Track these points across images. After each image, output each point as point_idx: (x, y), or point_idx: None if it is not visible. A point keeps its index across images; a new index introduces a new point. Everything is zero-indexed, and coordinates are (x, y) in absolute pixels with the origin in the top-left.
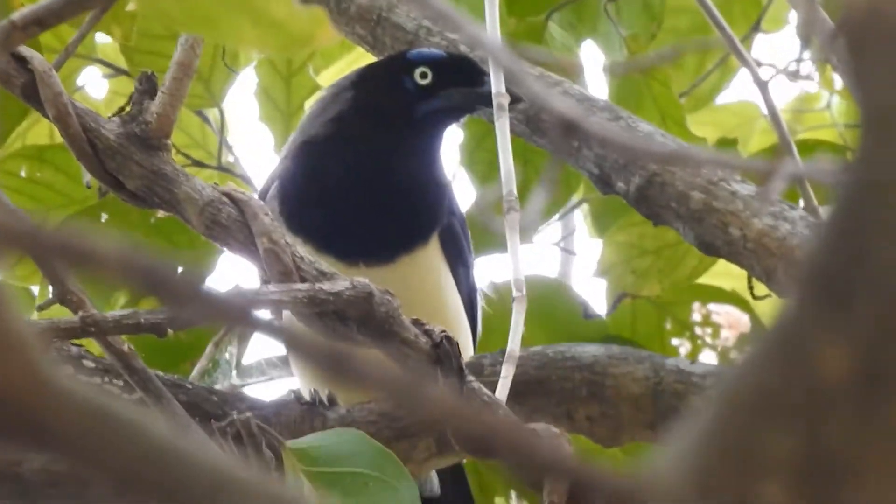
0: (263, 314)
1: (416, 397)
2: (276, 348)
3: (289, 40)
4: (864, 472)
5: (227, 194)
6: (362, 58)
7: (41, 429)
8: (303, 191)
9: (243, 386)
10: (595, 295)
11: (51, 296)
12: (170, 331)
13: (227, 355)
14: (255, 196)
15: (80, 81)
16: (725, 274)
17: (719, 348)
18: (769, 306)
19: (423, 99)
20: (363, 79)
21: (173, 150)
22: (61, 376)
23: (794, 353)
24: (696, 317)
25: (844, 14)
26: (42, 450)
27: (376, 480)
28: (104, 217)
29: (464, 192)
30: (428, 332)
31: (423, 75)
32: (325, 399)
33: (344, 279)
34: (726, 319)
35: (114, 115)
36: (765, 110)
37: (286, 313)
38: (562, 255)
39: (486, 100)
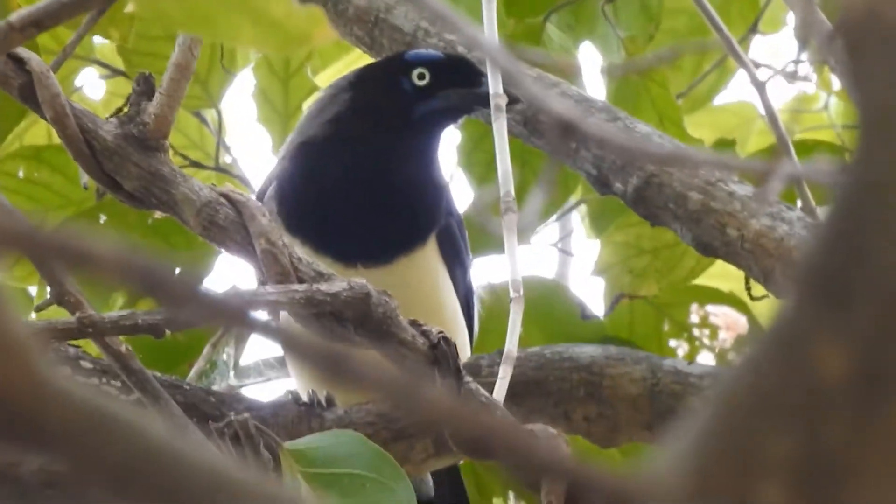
0: (261, 315)
1: (414, 398)
2: (274, 349)
3: (287, 39)
4: (863, 473)
5: (224, 195)
6: (360, 59)
7: (39, 429)
8: (301, 192)
9: (241, 387)
10: (593, 296)
11: (48, 296)
12: (167, 332)
13: (224, 356)
14: (253, 197)
15: (77, 83)
16: (723, 275)
17: (717, 350)
18: (767, 307)
19: (421, 100)
20: (361, 80)
21: (171, 151)
22: (59, 377)
23: (792, 354)
24: (694, 318)
25: (842, 15)
26: (40, 451)
27: (373, 482)
28: (102, 218)
29: (461, 193)
30: (425, 333)
31: (421, 76)
32: (323, 400)
33: (341, 280)
34: (724, 321)
35: (111, 116)
36: (762, 111)
37: (283, 314)
38: (559, 255)
39: (484, 100)
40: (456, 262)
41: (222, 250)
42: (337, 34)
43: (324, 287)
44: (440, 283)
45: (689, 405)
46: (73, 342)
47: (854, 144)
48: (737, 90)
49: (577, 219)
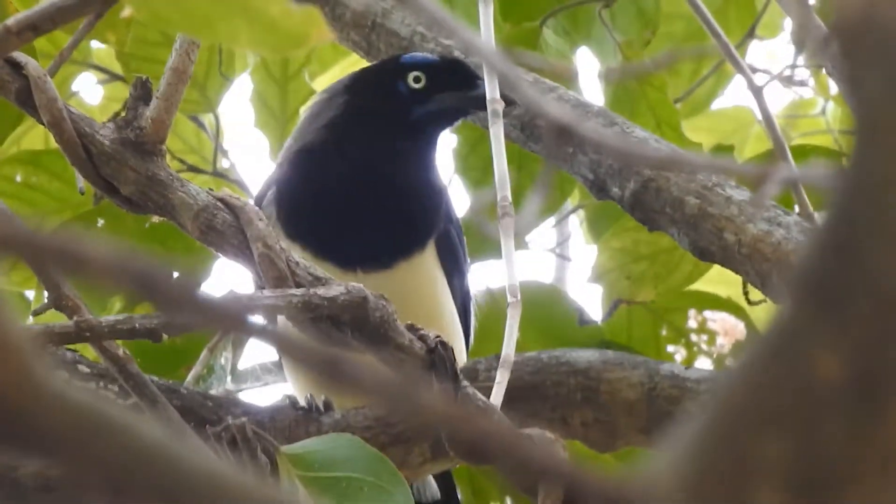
0: (258, 319)
1: (411, 402)
2: (271, 353)
3: (284, 40)
4: (858, 476)
5: (222, 200)
6: (357, 63)
7: (36, 433)
8: (300, 197)
9: (238, 391)
10: (590, 300)
11: (46, 300)
12: (165, 336)
13: (222, 360)
14: (251, 202)
15: (74, 87)
16: (721, 280)
17: (715, 355)
18: (764, 312)
19: (417, 102)
20: (357, 83)
21: (168, 156)
22: (56, 380)
23: (788, 358)
24: (692, 324)
25: (838, 18)
26: (37, 454)
27: (371, 485)
28: (99, 222)
29: (458, 198)
30: (423, 338)
31: (417, 79)
32: (320, 405)
33: (339, 284)
34: (722, 326)
35: (108, 121)
36: (760, 116)
37: (281, 318)
38: (557, 260)
39: (480, 102)
40: (454, 267)
41: (220, 255)
42: (334, 35)
43: (321, 291)
44: (438, 287)
45: (687, 410)
46: (71, 346)
47: (850, 149)
48: (734, 95)
49: (575, 224)
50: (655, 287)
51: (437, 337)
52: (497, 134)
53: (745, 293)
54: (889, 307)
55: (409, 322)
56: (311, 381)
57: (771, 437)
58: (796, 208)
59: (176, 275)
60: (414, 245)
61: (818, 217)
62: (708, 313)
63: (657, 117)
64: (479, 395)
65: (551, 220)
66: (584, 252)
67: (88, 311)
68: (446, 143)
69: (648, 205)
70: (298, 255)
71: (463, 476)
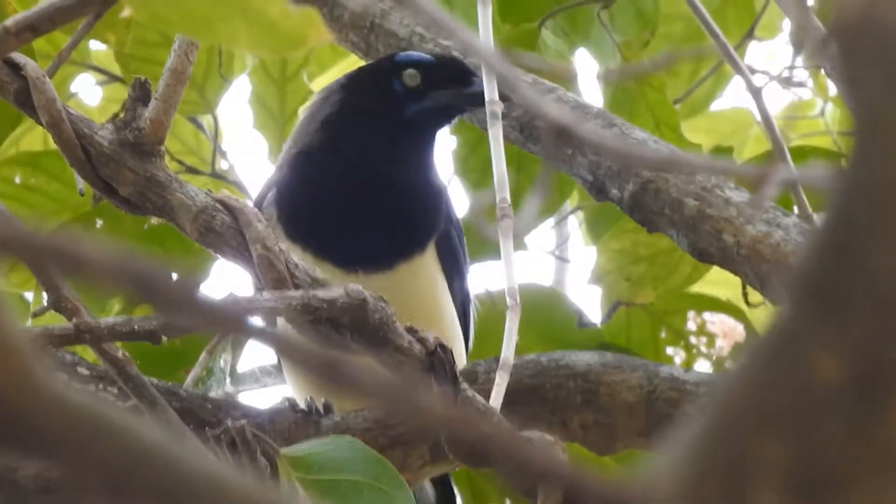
0: (257, 321)
1: (410, 404)
2: (270, 356)
3: (283, 41)
4: (858, 477)
5: (220, 201)
6: (356, 64)
7: (35, 434)
8: (300, 199)
9: (237, 393)
10: (590, 303)
11: (45, 302)
12: (164, 338)
13: (221, 363)
14: (249, 203)
15: (73, 88)
16: (720, 282)
17: (714, 357)
18: (764, 314)
19: (412, 100)
20: (352, 82)
21: (167, 157)
22: (55, 382)
23: (787, 359)
24: (691, 326)
25: (836, 18)
26: (37, 456)
27: (371, 488)
28: (98, 224)
29: (457, 199)
30: (422, 340)
31: (412, 77)
32: (320, 407)
33: (338, 286)
34: (721, 328)
35: (107, 122)
36: (759, 117)
37: (280, 321)
38: (556, 262)
39: (475, 100)
40: (454, 268)
41: (218, 256)
42: (333, 36)
43: (320, 293)
44: (439, 289)
45: (686, 412)
46: (70, 348)
47: (850, 149)
48: (733, 96)
49: (574, 225)
50: (655, 289)
51: (437, 339)
52: (496, 135)
53: (745, 295)
54: (888, 308)
55: (408, 324)
56: (310, 384)
57: (770, 438)
58: (795, 210)
59: (175, 276)
60: (414, 246)
61: (817, 218)
62: (707, 315)
63: (656, 118)
64: (479, 397)
65: (550, 222)
66: (584, 254)
67: (87, 312)
68: (445, 145)
69: (647, 206)
70: (299, 257)
71: (462, 479)
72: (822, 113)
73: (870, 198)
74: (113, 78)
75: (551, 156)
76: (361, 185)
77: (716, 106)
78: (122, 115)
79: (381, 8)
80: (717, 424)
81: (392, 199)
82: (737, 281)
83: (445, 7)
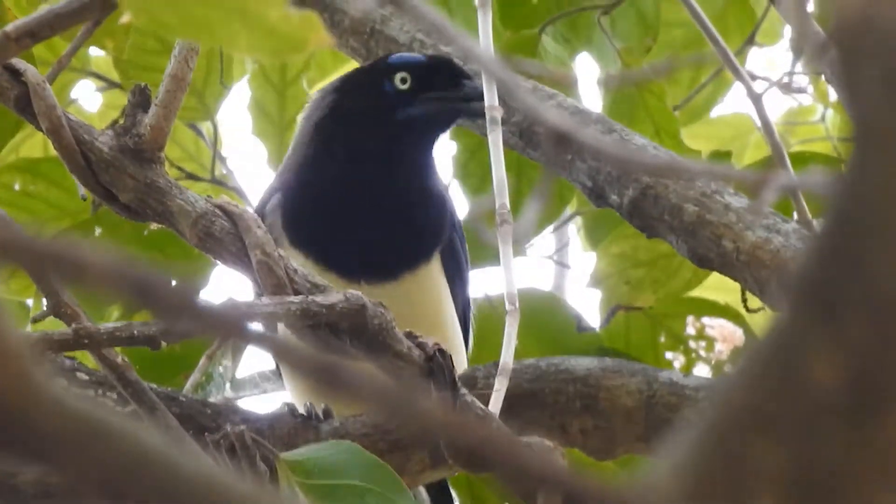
0: (257, 327)
1: (409, 410)
2: (270, 361)
3: (283, 45)
4: (857, 481)
5: (220, 207)
6: None
7: (35, 439)
8: (302, 208)
9: (237, 399)
10: (589, 307)
11: (45, 308)
12: (163, 343)
13: (220, 368)
14: (249, 209)
15: (73, 95)
16: (720, 287)
17: (713, 362)
18: (763, 319)
19: (403, 103)
20: (346, 84)
21: (167, 164)
22: (55, 387)
23: (785, 364)
24: (691, 330)
25: (836, 20)
26: (36, 461)
27: (372, 493)
28: (98, 230)
29: (457, 205)
30: (421, 345)
31: (403, 80)
32: (320, 413)
33: (337, 292)
34: (720, 333)
35: (107, 128)
36: (759, 123)
37: (280, 326)
38: (556, 267)
39: (464, 105)
40: (457, 276)
41: (218, 262)
42: (333, 41)
43: (319, 299)
44: (443, 298)
45: (685, 417)
46: (70, 354)
47: (849, 151)
48: (733, 102)
49: (574, 231)
50: (654, 293)
51: (436, 344)
52: (495, 141)
53: (744, 301)
54: (886, 311)
55: (407, 329)
56: (309, 389)
57: (769, 442)
58: (795, 216)
59: (174, 282)
60: (420, 257)
61: (817, 224)
62: (706, 320)
63: (656, 124)
64: (478, 402)
65: (549, 227)
66: (583, 259)
67: (87, 318)
68: (445, 150)
69: (647, 212)
70: (299, 263)
71: (462, 484)
72: (823, 119)
73: (868, 200)
74: (112, 84)
75: (551, 161)
76: (362, 193)
77: (716, 112)
78: (121, 122)
79: (381, 14)
80: (716, 429)
81: (395, 208)
82: (736, 286)
83: (446, 13)
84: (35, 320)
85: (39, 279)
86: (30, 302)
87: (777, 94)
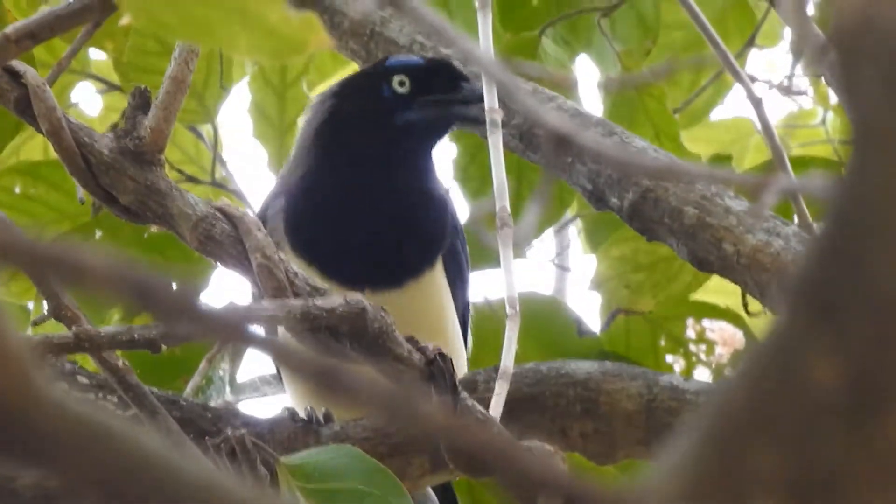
0: (257, 330)
1: (409, 413)
2: (270, 365)
3: (283, 46)
4: (857, 483)
5: (220, 210)
6: None
7: (35, 443)
8: (304, 215)
9: (237, 402)
10: (589, 311)
11: (45, 311)
12: (164, 347)
13: (220, 372)
14: (249, 212)
15: (74, 98)
16: (720, 290)
17: (713, 365)
18: (763, 322)
19: (402, 107)
20: (345, 87)
21: (167, 166)
22: (55, 390)
23: (785, 365)
24: (691, 333)
25: (837, 20)
26: (36, 464)
27: (372, 497)
28: (98, 233)
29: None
30: (421, 349)
31: (402, 83)
32: (320, 417)
33: (337, 295)
34: (720, 336)
35: (108, 131)
36: (759, 126)
37: (280, 329)
38: (556, 271)
39: (462, 110)
40: (458, 279)
41: (218, 265)
42: (333, 42)
43: (319, 302)
44: (445, 303)
45: (685, 421)
46: (70, 357)
47: (848, 157)
48: (733, 105)
49: (574, 234)
50: (654, 296)
51: (436, 348)
52: (496, 144)
53: (745, 304)
54: (886, 312)
55: (408, 334)
56: (310, 393)
57: (769, 443)
58: (795, 219)
59: (174, 285)
60: (423, 264)
61: (817, 227)
62: (706, 323)
63: (656, 127)
64: (478, 406)
65: (550, 230)
66: (584, 262)
67: (87, 321)
68: (445, 153)
69: (647, 215)
70: (299, 266)
71: (463, 488)
72: (823, 122)
73: (868, 200)
74: (113, 87)
75: (551, 164)
76: (364, 198)
77: (716, 115)
78: (122, 124)
79: (381, 16)
80: (716, 432)
81: (397, 214)
82: (737, 289)
83: (446, 15)
84: (35, 323)
85: (40, 282)
86: (30, 305)
87: (777, 97)
